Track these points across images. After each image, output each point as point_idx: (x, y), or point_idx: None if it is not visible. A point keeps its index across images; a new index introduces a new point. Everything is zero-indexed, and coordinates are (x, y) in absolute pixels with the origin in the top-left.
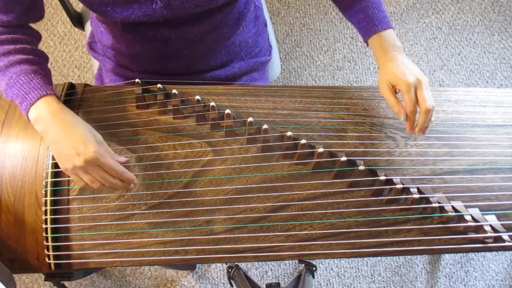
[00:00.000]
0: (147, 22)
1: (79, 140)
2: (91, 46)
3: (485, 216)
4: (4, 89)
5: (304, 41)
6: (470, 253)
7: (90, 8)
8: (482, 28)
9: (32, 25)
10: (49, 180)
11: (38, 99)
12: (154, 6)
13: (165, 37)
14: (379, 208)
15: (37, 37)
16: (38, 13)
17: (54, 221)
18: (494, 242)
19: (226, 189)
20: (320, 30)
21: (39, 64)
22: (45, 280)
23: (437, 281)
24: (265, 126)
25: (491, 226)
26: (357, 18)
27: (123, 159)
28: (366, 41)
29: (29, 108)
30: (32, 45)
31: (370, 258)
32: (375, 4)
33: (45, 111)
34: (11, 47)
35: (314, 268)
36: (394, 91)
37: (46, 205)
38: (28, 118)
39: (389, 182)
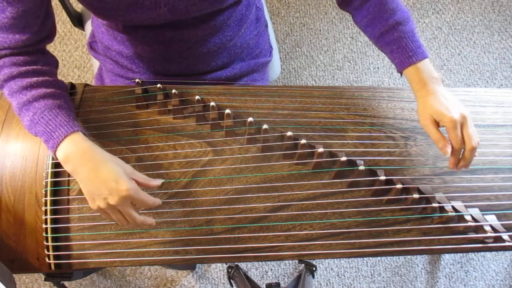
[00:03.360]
0: (150, 25)
1: (110, 178)
2: (92, 46)
3: (485, 216)
4: (28, 125)
5: (304, 41)
6: (470, 253)
7: (94, 12)
8: (482, 28)
9: None
10: (49, 180)
11: (64, 137)
12: (158, 11)
13: (167, 39)
14: (379, 208)
15: (56, 65)
16: (52, 28)
17: (54, 221)
18: (494, 242)
19: (226, 189)
20: (320, 30)
21: (62, 97)
22: (45, 280)
23: (437, 281)
24: (265, 126)
25: (491, 226)
26: (389, 49)
27: (158, 182)
28: (400, 72)
29: (56, 147)
30: (53, 76)
31: (370, 258)
32: (408, 34)
33: (73, 150)
34: (34, 80)
35: (314, 268)
36: (437, 125)
37: (46, 205)
38: (56, 157)
39: (389, 182)
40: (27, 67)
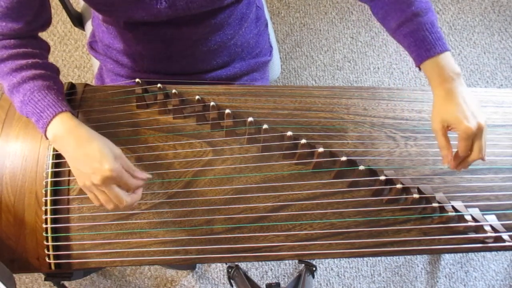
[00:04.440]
0: (150, 22)
1: (95, 157)
2: (92, 45)
3: (485, 216)
4: (19, 106)
5: (304, 41)
6: (470, 253)
7: (95, 7)
8: (482, 28)
9: None
10: (49, 180)
11: (53, 117)
12: (158, 6)
13: (167, 38)
14: (379, 208)
15: (47, 49)
16: (47, 19)
17: (54, 221)
18: (494, 242)
19: (226, 189)
20: (320, 30)
21: (51, 78)
22: (45, 280)
23: (437, 281)
24: (265, 126)
25: (491, 226)
26: (406, 43)
27: (145, 175)
28: (418, 67)
29: (46, 127)
30: (43, 59)
31: (370, 258)
32: (426, 25)
33: (61, 129)
34: (23, 62)
35: (314, 268)
36: (447, 129)
37: (46, 205)
38: (46, 137)
39: (389, 182)
40: (18, 49)
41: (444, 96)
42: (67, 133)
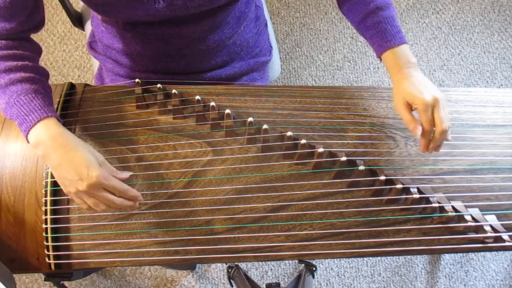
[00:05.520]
0: (149, 22)
1: (81, 164)
2: (92, 45)
3: (485, 216)
4: (3, 108)
5: (304, 41)
6: (470, 253)
7: (93, 8)
8: (482, 28)
9: None
10: (49, 180)
11: (37, 121)
12: (156, 6)
13: (166, 36)
14: (379, 208)
15: (38, 51)
16: (40, 20)
17: (54, 221)
18: (494, 242)
19: (226, 189)
20: (320, 30)
21: (40, 82)
22: (45, 280)
23: (437, 281)
24: (265, 126)
25: (491, 226)
26: (369, 34)
27: (126, 174)
28: (379, 57)
29: (28, 131)
30: (34, 62)
31: (370, 258)
32: (388, 19)
33: (45, 135)
34: (13, 63)
35: (314, 268)
36: (410, 108)
37: (46, 205)
38: (28, 140)
39: (389, 182)
40: (8, 51)
41: (401, 79)
42: (52, 139)
